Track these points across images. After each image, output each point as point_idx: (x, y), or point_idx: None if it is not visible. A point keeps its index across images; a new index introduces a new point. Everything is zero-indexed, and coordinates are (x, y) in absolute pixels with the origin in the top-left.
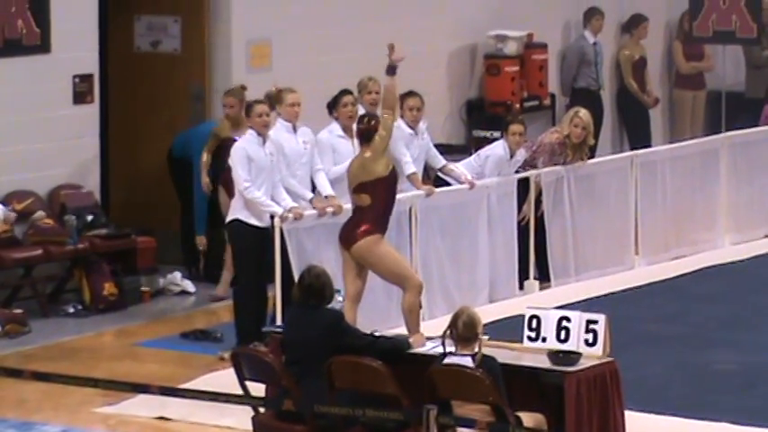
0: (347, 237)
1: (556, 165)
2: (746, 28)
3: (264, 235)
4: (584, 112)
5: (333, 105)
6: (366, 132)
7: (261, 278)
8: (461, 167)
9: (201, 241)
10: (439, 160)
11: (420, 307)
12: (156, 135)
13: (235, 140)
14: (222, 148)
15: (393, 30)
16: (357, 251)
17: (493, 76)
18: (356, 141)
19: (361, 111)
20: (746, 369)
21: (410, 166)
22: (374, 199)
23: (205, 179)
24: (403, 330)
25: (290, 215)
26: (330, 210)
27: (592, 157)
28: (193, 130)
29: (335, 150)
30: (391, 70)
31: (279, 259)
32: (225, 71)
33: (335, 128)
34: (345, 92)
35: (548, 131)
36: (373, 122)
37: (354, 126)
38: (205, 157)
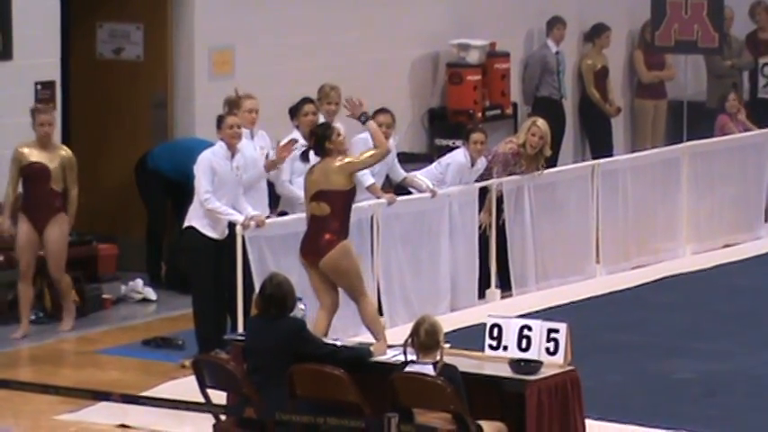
0: (312, 249)
1: (510, 174)
2: (708, 38)
3: (218, 246)
4: (541, 122)
5: (294, 113)
6: (317, 141)
7: (218, 286)
8: (421, 177)
9: None
10: (400, 173)
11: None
12: (119, 142)
13: (43, 166)
14: (29, 175)
15: (356, 38)
16: (329, 260)
17: (455, 85)
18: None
19: (321, 120)
20: (706, 378)
21: (368, 177)
22: (333, 209)
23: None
24: (362, 339)
25: (252, 223)
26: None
27: (553, 166)
28: (177, 144)
29: (295, 159)
30: (361, 119)
31: (240, 267)
32: (187, 78)
33: (296, 136)
34: (307, 100)
35: (503, 141)
36: (328, 132)
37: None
38: (11, 190)
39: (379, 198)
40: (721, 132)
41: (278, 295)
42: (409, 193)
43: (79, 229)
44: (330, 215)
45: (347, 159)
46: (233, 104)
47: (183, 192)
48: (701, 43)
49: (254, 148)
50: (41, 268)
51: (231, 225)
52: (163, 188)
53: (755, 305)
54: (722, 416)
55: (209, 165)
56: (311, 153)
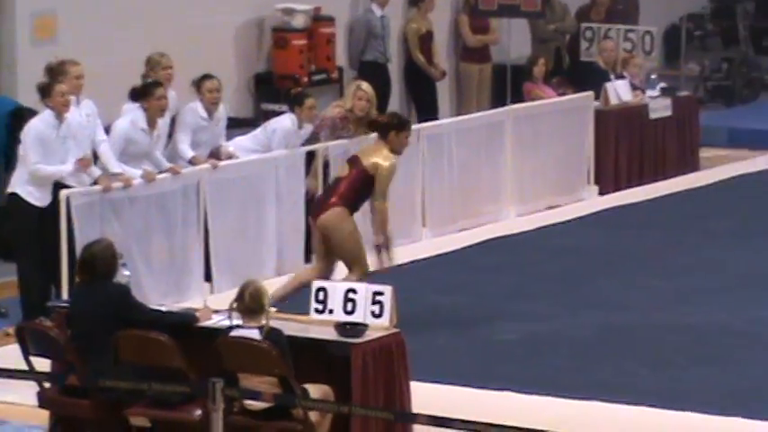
0: (315, 208)
1: (338, 139)
2: (531, 2)
3: (43, 213)
4: (366, 85)
5: (142, 95)
6: (383, 126)
7: (44, 253)
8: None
9: None
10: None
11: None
12: None
13: None
14: None
15: (182, 4)
16: (322, 222)
17: (281, 50)
18: (155, 134)
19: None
20: (530, 339)
21: (187, 151)
22: (350, 176)
23: None
24: (189, 305)
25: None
26: (118, 185)
27: None
28: None
29: (131, 143)
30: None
31: (65, 234)
32: (9, 43)
33: (140, 118)
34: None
35: (330, 106)
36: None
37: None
38: None
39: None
40: (529, 99)
41: (101, 260)
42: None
43: None
44: (345, 178)
45: (383, 163)
46: (57, 72)
47: None
48: (523, 7)
49: (79, 115)
50: None
51: (55, 192)
52: None
53: (578, 266)
54: (544, 375)
55: (36, 134)
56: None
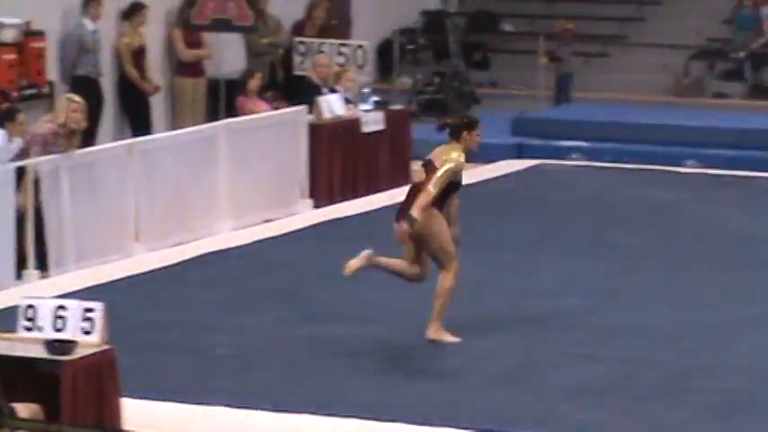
0: (399, 216)
1: (50, 154)
2: (243, 16)
3: None
4: (77, 97)
5: None
6: (454, 126)
7: None
8: None
9: None
10: None
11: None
12: None
13: None
14: None
15: None
16: (416, 230)
17: None
18: None
19: None
20: (244, 353)
21: None
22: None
23: None
24: None
25: None
26: None
27: (91, 144)
28: None
29: None
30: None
31: None
32: None
33: None
34: None
35: (40, 121)
36: (466, 121)
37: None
38: None
39: None
40: (242, 113)
41: None
42: None
43: None
44: (423, 184)
45: (454, 155)
46: None
47: None
48: (236, 21)
49: None
50: None
51: None
52: None
53: (293, 280)
54: (257, 389)
55: None
56: None
